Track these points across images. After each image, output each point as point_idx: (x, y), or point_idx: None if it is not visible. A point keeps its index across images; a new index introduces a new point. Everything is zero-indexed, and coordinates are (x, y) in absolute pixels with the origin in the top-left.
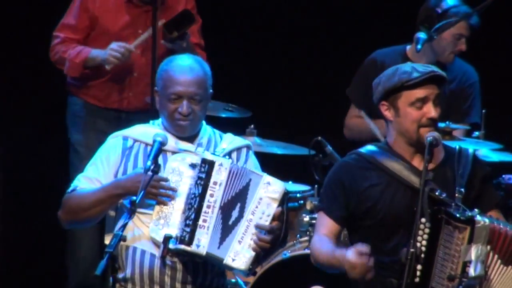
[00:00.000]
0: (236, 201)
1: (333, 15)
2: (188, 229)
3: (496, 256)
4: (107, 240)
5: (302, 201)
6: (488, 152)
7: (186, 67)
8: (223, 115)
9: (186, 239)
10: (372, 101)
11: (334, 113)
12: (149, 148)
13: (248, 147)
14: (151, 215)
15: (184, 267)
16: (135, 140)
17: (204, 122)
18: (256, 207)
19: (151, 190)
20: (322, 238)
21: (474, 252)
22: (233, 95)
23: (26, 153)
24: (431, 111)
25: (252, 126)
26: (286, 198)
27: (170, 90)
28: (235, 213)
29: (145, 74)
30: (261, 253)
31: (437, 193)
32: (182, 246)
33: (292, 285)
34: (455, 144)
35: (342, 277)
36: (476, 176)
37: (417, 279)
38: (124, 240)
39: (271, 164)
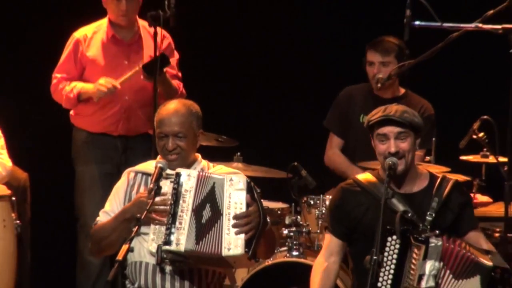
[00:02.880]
0: (204, 202)
1: (309, 55)
2: (168, 232)
3: (448, 271)
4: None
5: (281, 217)
6: None
7: (172, 110)
8: (215, 145)
9: (167, 240)
10: (347, 129)
11: (308, 142)
12: (149, 178)
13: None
14: (149, 232)
15: (180, 275)
16: (137, 172)
17: (199, 157)
18: (229, 202)
19: (154, 212)
20: (316, 269)
21: (428, 267)
22: (223, 128)
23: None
24: (390, 146)
25: (238, 153)
26: (251, 186)
27: (159, 130)
28: (206, 213)
29: (135, 98)
30: (252, 236)
31: (409, 215)
32: (166, 247)
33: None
34: (442, 175)
35: None
36: (453, 203)
37: (388, 287)
38: (132, 251)
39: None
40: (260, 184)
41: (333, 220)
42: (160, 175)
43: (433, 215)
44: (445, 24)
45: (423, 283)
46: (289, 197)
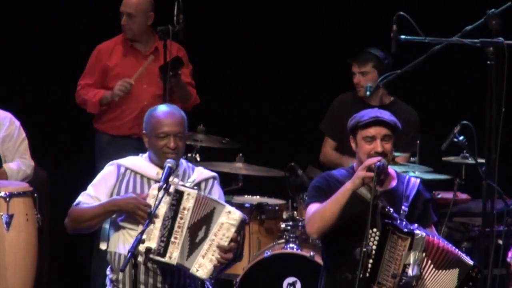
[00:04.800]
0: (201, 223)
1: (308, 65)
2: (162, 244)
3: (429, 261)
4: (102, 246)
5: (279, 212)
6: (421, 174)
7: (169, 112)
8: (219, 146)
9: (161, 252)
10: (340, 132)
11: (304, 144)
12: (138, 176)
13: (214, 178)
14: (137, 231)
15: (163, 272)
16: (127, 168)
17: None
18: (218, 230)
19: (137, 212)
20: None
21: (412, 257)
22: (226, 131)
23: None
24: (377, 146)
25: (240, 154)
26: (243, 225)
27: (159, 130)
28: (201, 233)
29: (153, 102)
30: (220, 266)
31: (387, 209)
32: (158, 257)
33: (272, 278)
34: (405, 174)
35: (311, 270)
36: (419, 200)
37: (367, 274)
38: (143, 242)
39: (255, 184)
40: (260, 182)
41: (317, 195)
42: (169, 174)
43: (406, 209)
44: (428, 38)
45: (410, 271)
46: (286, 194)
